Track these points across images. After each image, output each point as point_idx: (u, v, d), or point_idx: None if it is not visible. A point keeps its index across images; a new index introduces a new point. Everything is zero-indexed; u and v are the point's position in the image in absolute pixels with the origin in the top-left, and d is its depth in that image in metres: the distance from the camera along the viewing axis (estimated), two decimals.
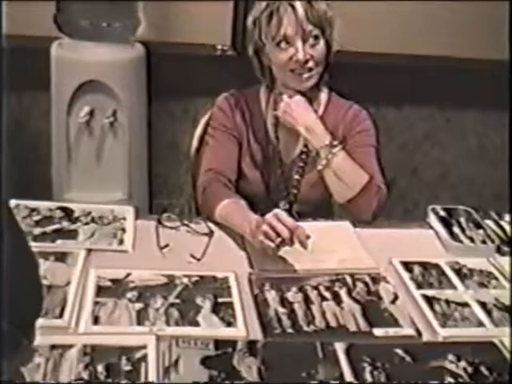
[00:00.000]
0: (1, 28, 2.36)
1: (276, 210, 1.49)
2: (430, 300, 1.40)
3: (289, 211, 1.82)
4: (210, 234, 1.56)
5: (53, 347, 1.14)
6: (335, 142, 1.72)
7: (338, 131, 1.80)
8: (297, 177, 1.86)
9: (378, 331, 1.28)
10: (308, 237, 1.44)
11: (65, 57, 2.57)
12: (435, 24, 2.83)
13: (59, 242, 1.51)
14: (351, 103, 1.87)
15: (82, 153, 2.66)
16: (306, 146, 1.83)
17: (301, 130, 1.74)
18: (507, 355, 1.23)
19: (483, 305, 1.39)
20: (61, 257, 1.44)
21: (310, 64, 1.70)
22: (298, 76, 1.71)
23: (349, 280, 1.44)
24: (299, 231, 1.43)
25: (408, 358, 1.20)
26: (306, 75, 1.71)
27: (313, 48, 1.69)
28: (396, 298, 1.40)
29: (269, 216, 1.47)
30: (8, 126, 2.56)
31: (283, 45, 1.69)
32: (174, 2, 2.72)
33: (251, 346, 1.20)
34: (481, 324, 1.33)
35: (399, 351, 1.21)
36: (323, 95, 1.86)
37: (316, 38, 1.68)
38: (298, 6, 1.66)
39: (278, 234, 1.43)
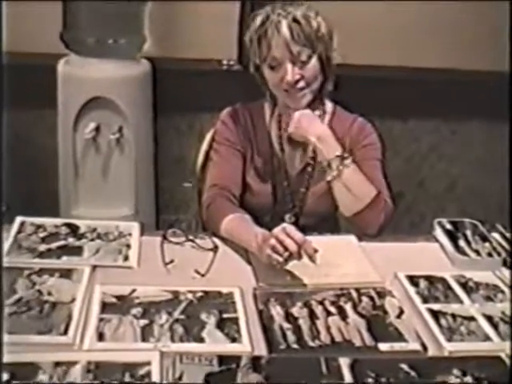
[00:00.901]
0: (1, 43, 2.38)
1: (284, 224, 1.49)
2: (435, 314, 1.39)
3: (295, 224, 1.82)
4: (215, 249, 1.56)
5: (57, 364, 1.14)
6: (346, 154, 1.72)
7: (345, 144, 1.79)
8: (303, 189, 1.86)
9: (383, 346, 1.27)
10: (316, 251, 1.44)
11: (71, 73, 2.59)
12: (440, 36, 2.84)
13: (64, 258, 1.52)
14: (356, 116, 1.87)
15: (89, 169, 2.67)
16: (312, 158, 1.83)
17: (312, 140, 1.73)
18: None
19: (489, 318, 1.38)
20: (66, 273, 1.44)
21: (301, 84, 1.69)
22: (292, 95, 1.72)
23: (354, 294, 1.44)
24: (307, 245, 1.43)
25: (413, 373, 1.19)
26: (299, 94, 1.71)
27: (303, 68, 1.68)
28: (402, 312, 1.39)
29: (276, 230, 1.46)
30: (14, 143, 2.59)
31: (274, 66, 1.69)
32: (180, 18, 2.74)
33: (255, 361, 1.19)
34: (487, 338, 1.32)
35: (404, 366, 1.20)
36: (328, 109, 1.86)
37: (307, 57, 1.67)
38: (284, 28, 1.64)
39: (286, 248, 1.43)
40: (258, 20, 1.70)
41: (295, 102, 1.74)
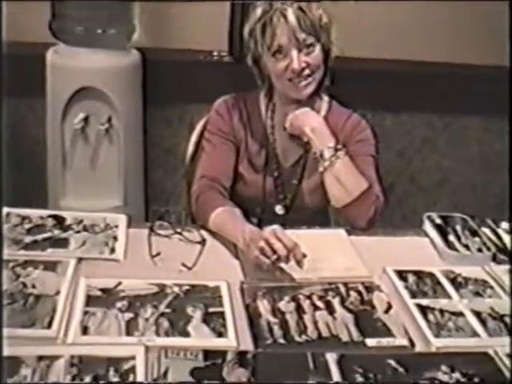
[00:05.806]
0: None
1: (274, 226, 1.46)
2: (423, 309, 1.38)
3: (285, 216, 1.83)
4: (203, 242, 1.54)
5: (40, 358, 1.12)
6: (339, 146, 1.72)
7: (339, 139, 1.78)
8: (295, 181, 1.85)
9: (370, 341, 1.26)
10: (305, 256, 1.43)
11: (60, 63, 2.56)
12: (433, 30, 2.82)
13: (50, 250, 1.50)
14: (351, 112, 1.86)
15: (78, 159, 2.65)
16: (305, 151, 1.83)
17: (307, 131, 1.73)
18: (501, 366, 1.21)
19: (478, 314, 1.37)
20: (51, 266, 1.42)
21: (307, 72, 1.69)
22: (295, 85, 1.71)
23: (342, 289, 1.43)
24: (296, 250, 1.42)
25: (400, 369, 1.18)
26: (303, 83, 1.70)
27: (308, 55, 1.68)
28: (390, 307, 1.38)
29: (267, 233, 1.44)
30: (4, 133, 2.55)
31: (278, 55, 1.69)
32: (170, 8, 2.72)
33: (241, 356, 1.18)
34: (475, 334, 1.31)
35: (392, 362, 1.20)
36: (324, 103, 1.85)
37: (311, 45, 1.68)
38: (290, 15, 1.65)
39: (275, 252, 1.41)
40: (259, 10, 1.70)
41: (298, 92, 1.73)
